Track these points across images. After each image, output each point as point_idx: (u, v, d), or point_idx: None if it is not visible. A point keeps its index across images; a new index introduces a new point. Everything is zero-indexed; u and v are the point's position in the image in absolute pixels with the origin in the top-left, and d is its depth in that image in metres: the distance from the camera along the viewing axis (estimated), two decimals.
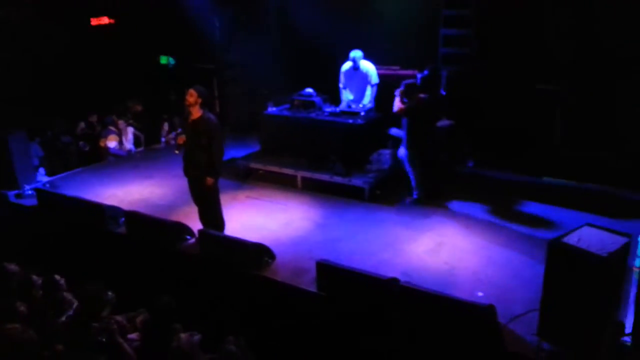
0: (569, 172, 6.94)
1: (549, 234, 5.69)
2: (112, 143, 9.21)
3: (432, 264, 5.31)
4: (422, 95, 6.50)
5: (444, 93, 7.42)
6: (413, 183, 6.71)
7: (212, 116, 5.64)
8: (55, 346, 3.90)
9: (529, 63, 7.36)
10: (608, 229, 3.92)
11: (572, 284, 3.69)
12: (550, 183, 6.99)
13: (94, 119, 9.69)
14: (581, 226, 3.96)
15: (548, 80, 7.27)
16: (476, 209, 6.54)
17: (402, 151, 6.71)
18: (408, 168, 6.69)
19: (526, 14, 7.32)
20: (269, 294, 5.05)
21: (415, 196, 6.73)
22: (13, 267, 5.12)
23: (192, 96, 5.50)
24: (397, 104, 6.54)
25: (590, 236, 3.80)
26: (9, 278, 5.03)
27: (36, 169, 8.13)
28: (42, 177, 8.10)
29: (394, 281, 4.40)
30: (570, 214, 6.22)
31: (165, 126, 9.92)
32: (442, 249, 5.62)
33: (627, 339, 3.80)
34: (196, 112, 5.52)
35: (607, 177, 6.70)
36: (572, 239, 3.78)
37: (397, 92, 6.58)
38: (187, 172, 5.79)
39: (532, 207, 6.53)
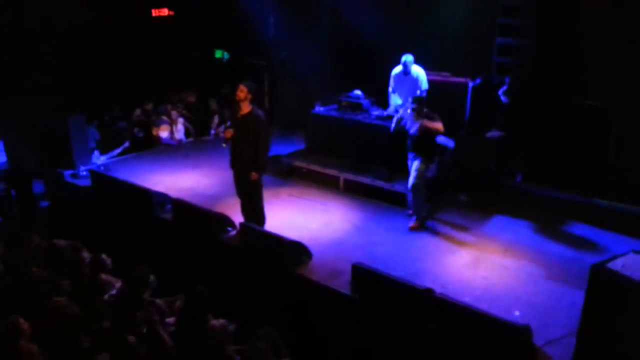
0: (621, 193, 6.68)
1: (594, 258, 5.50)
2: (164, 133, 9.51)
3: (470, 278, 5.25)
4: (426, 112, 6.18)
5: (505, 100, 7.28)
6: (413, 206, 6.33)
7: (260, 112, 5.75)
8: (102, 323, 4.09)
9: (584, 77, 7.12)
10: None
11: (614, 311, 3.58)
12: (599, 204, 6.73)
13: (149, 107, 10.02)
14: (627, 252, 3.83)
15: (603, 96, 7.01)
16: (520, 226, 6.40)
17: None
18: (414, 188, 6.23)
19: (585, 27, 7.09)
20: (303, 292, 5.12)
21: (414, 221, 6.32)
22: (64, 243, 5.41)
23: (242, 92, 5.62)
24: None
25: (636, 263, 3.67)
26: (60, 254, 5.32)
27: (92, 151, 8.51)
28: (97, 158, 8.48)
29: (429, 291, 4.38)
30: (618, 239, 6.01)
31: (216, 119, 10.15)
32: (481, 264, 5.54)
33: None
34: (246, 108, 5.64)
35: None
36: (616, 265, 3.66)
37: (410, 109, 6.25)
38: (233, 166, 5.94)
39: (579, 229, 6.33)
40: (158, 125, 9.56)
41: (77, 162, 7.84)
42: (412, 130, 6.23)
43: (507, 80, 7.34)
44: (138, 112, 9.92)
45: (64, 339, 3.82)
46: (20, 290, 4.52)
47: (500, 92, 7.33)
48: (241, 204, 6.10)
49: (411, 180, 6.22)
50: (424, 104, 6.23)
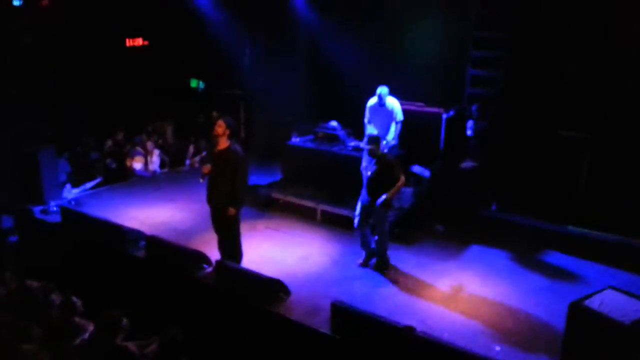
0: (593, 221, 6.81)
1: (571, 287, 5.64)
2: (138, 164, 9.37)
3: (449, 312, 5.23)
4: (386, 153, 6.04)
5: (471, 134, 7.39)
6: (374, 246, 6.08)
7: (238, 148, 5.71)
8: None
9: (555, 109, 7.31)
10: (631, 293, 3.82)
11: (592, 349, 3.60)
12: (573, 232, 6.85)
13: (120, 137, 9.90)
14: (604, 289, 3.88)
15: (575, 127, 7.19)
16: (497, 255, 6.46)
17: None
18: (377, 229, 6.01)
19: (553, 59, 7.30)
20: (281, 331, 5.02)
21: (374, 261, 6.09)
22: (35, 284, 5.22)
23: (220, 127, 5.57)
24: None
25: (613, 301, 3.72)
26: (31, 295, 5.12)
27: (63, 184, 8.31)
28: (69, 192, 8.27)
29: (410, 330, 4.34)
30: (593, 267, 6.13)
31: (191, 149, 10.07)
32: (459, 297, 5.55)
33: None
34: (223, 143, 5.59)
35: (635, 229, 6.55)
36: (594, 302, 3.69)
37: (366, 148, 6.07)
38: (210, 201, 5.85)
39: (555, 257, 6.41)
40: (132, 156, 9.43)
41: (48, 197, 7.63)
42: (369, 172, 6.02)
43: (473, 109, 7.46)
44: (109, 143, 9.78)
45: None
46: None
47: (468, 124, 7.46)
48: (218, 240, 6.00)
49: (376, 232, 5.98)
50: (379, 144, 5.91)
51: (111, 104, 9.99)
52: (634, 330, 3.46)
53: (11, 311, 4.80)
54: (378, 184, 5.86)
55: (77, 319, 4.65)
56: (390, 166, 5.86)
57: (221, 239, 5.97)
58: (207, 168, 5.68)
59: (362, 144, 7.38)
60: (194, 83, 11.19)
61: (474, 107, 7.75)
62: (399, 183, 5.79)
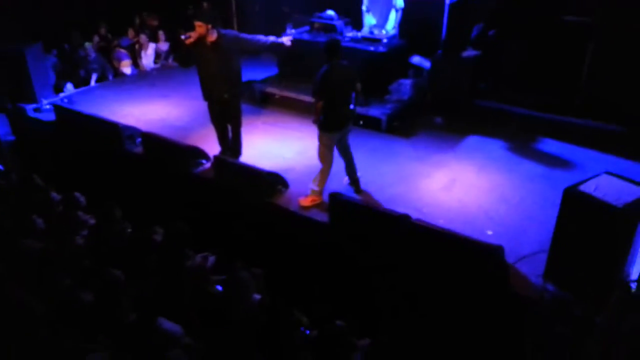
0: (595, 112, 6.70)
1: (566, 175, 5.65)
2: (126, 69, 9.07)
3: (444, 201, 5.33)
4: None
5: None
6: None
7: (226, 31, 5.54)
8: (82, 261, 4.07)
9: None
10: (627, 178, 3.84)
11: (585, 232, 3.69)
12: (572, 121, 6.77)
13: (103, 31, 9.48)
14: (599, 174, 3.88)
15: (581, 11, 6.83)
16: (494, 146, 6.44)
17: None
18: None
19: None
20: (281, 222, 5.14)
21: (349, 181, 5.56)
22: (39, 181, 5.27)
23: (200, 27, 5.26)
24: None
25: (608, 185, 3.74)
26: (31, 191, 5.19)
27: (60, 82, 8.12)
28: (70, 90, 8.11)
29: (405, 218, 4.43)
30: (591, 155, 6.11)
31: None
32: (456, 186, 5.61)
33: (633, 285, 3.84)
34: (212, 36, 5.35)
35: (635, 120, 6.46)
36: (588, 187, 3.72)
37: None
38: (210, 97, 5.66)
39: (552, 146, 6.39)
40: (118, 60, 9.08)
41: (39, 95, 7.49)
42: None
43: None
44: (96, 38, 9.38)
45: (43, 279, 3.81)
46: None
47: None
48: (218, 135, 5.93)
49: None
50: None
51: None
52: (626, 213, 3.51)
53: (14, 205, 4.88)
54: None
55: (80, 214, 4.76)
56: None
57: (223, 133, 5.89)
58: (190, 39, 5.31)
59: (370, 30, 7.07)
60: None
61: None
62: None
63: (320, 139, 5.19)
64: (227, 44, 5.40)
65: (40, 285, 3.77)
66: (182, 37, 5.35)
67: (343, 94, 5.10)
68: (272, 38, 5.67)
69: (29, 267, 3.92)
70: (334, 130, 5.16)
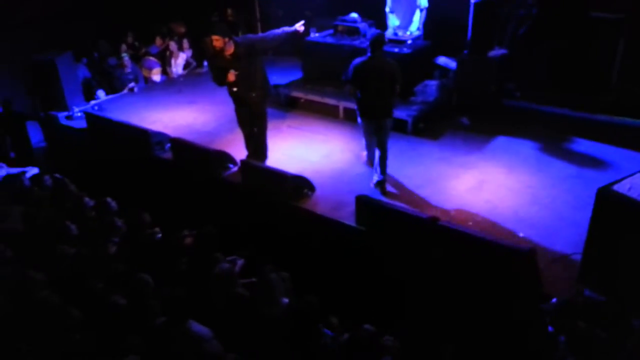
0: (626, 109, 6.54)
1: (599, 175, 5.53)
2: (156, 76, 9.23)
3: (473, 203, 5.25)
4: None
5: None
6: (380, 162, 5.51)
7: (240, 38, 5.62)
8: (117, 266, 4.15)
9: None
10: None
11: (619, 233, 3.60)
12: (603, 120, 6.61)
13: (130, 39, 9.67)
14: (634, 174, 3.78)
15: (611, 8, 6.67)
16: (523, 146, 6.33)
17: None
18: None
19: None
20: (308, 226, 5.15)
21: (380, 178, 5.49)
22: (72, 187, 5.40)
23: (217, 41, 5.35)
24: None
25: None
26: (64, 197, 5.32)
27: (90, 90, 8.32)
28: (102, 97, 8.32)
29: (433, 220, 4.39)
30: (624, 154, 5.96)
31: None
32: (485, 187, 5.53)
33: None
34: (230, 48, 5.40)
35: None
36: (623, 187, 3.63)
37: None
38: (238, 99, 5.71)
39: (583, 145, 6.25)
40: (148, 68, 9.25)
41: (70, 103, 7.68)
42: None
43: None
44: (124, 47, 9.57)
45: (76, 285, 3.89)
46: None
47: None
48: (245, 139, 5.98)
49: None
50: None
51: (119, 6, 9.62)
52: None
53: (49, 211, 5.01)
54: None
55: (112, 218, 4.85)
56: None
57: (250, 136, 5.94)
58: (232, 75, 5.46)
59: (394, 31, 7.03)
60: None
61: None
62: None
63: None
64: (245, 51, 5.44)
65: (74, 290, 3.86)
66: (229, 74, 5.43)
67: (376, 85, 5.31)
68: (285, 28, 5.70)
69: (64, 272, 4.02)
70: (364, 116, 5.57)
